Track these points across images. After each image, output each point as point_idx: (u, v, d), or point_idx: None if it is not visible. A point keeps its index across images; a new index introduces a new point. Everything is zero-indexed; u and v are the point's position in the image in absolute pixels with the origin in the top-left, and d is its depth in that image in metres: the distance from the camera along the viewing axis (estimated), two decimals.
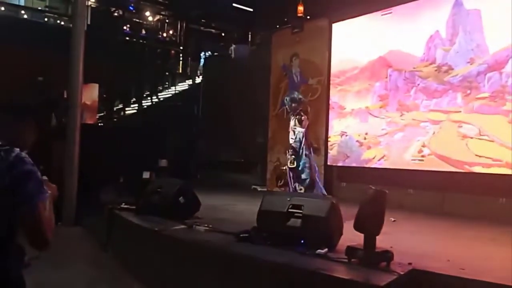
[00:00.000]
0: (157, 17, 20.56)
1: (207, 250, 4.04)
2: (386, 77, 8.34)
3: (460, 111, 7.12)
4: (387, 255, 3.39)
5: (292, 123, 6.42)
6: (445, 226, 6.01)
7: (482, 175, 6.85)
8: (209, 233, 4.57)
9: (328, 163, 9.35)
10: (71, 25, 8.78)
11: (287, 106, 6.35)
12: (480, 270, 3.40)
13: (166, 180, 6.10)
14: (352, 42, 9.04)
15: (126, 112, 13.68)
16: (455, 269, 3.38)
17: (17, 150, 1.67)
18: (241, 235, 4.15)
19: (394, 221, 5.72)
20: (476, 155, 6.86)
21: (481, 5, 6.98)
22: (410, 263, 3.41)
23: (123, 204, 6.18)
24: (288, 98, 6.50)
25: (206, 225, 4.80)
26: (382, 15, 8.54)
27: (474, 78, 6.99)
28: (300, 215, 4.00)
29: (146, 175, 6.47)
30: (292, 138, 6.41)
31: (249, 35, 16.36)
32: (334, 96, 9.35)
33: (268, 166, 10.71)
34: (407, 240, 4.74)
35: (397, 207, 7.36)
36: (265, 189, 10.26)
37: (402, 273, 3.18)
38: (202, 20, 20.13)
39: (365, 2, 9.37)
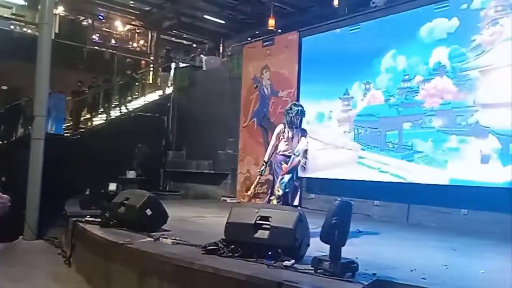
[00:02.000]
0: (128, 27, 20.39)
1: (174, 263, 3.97)
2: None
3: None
4: (352, 266, 3.43)
5: (290, 134, 5.66)
6: (410, 236, 6.15)
7: (445, 186, 7.06)
8: (176, 245, 4.51)
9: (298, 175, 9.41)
10: (37, 33, 8.57)
11: (291, 116, 5.54)
12: (439, 279, 3.49)
13: (133, 191, 5.98)
14: (321, 56, 9.20)
15: (94, 122, 13.40)
16: (418, 279, 3.45)
17: None
18: (209, 248, 4.12)
19: (360, 232, 5.81)
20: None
21: None
22: (374, 274, 3.46)
23: (88, 216, 6.03)
24: (296, 109, 5.58)
25: (173, 237, 4.73)
26: (350, 31, 8.76)
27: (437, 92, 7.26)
28: (268, 226, 4.00)
29: (112, 186, 6.35)
30: (286, 151, 5.70)
31: (221, 47, 16.44)
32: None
33: (238, 177, 10.70)
34: (372, 250, 4.81)
35: (363, 218, 7.52)
36: (235, 201, 10.24)
37: (366, 283, 3.23)
38: (174, 31, 20.10)
39: (334, 17, 9.64)
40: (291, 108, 5.66)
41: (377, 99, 8.19)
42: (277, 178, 5.69)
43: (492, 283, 3.62)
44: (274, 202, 5.60)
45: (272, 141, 5.83)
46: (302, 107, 5.72)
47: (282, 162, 5.67)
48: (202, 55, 14.58)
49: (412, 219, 7.50)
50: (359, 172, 8.27)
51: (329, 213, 3.53)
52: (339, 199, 3.58)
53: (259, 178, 6.14)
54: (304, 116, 5.74)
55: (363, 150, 8.32)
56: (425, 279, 3.46)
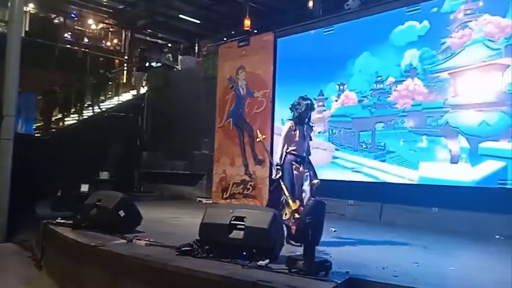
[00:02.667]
0: (101, 25, 20.03)
1: (147, 264, 3.93)
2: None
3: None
4: (325, 265, 3.47)
5: (300, 132, 5.07)
6: (382, 235, 6.25)
7: (417, 186, 7.22)
8: (149, 247, 4.46)
9: (273, 176, 9.44)
10: (7, 31, 8.34)
11: (300, 112, 5.02)
12: (413, 277, 3.56)
13: (105, 193, 5.88)
14: (296, 57, 9.27)
15: (66, 123, 13.12)
16: (390, 277, 3.52)
17: None
18: (183, 249, 4.09)
19: (334, 231, 5.88)
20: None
21: None
22: (347, 272, 3.51)
23: (59, 218, 5.89)
24: (305, 104, 5.03)
25: (147, 239, 4.68)
26: (324, 32, 8.85)
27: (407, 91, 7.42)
28: (243, 227, 4.00)
29: (84, 188, 6.24)
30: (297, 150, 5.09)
31: (196, 47, 16.34)
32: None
33: (214, 178, 10.67)
34: (346, 249, 4.88)
35: (337, 218, 7.61)
36: (211, 202, 10.21)
37: (339, 281, 3.27)
38: (148, 30, 19.85)
39: (309, 19, 9.72)
40: (298, 103, 5.08)
41: (350, 100, 8.30)
42: (286, 181, 4.95)
43: (461, 280, 3.72)
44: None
45: (281, 142, 5.16)
46: (311, 100, 5.16)
47: (293, 163, 5.04)
48: (177, 55, 14.47)
49: (385, 218, 7.64)
50: (334, 172, 8.36)
51: (302, 213, 3.57)
52: (313, 198, 3.62)
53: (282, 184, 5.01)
54: (313, 111, 5.26)
55: (337, 150, 8.42)
56: (397, 276, 3.53)
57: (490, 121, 6.48)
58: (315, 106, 8.74)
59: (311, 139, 5.28)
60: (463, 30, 6.88)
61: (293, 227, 4.49)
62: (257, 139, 5.46)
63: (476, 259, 4.74)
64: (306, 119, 5.14)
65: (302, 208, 4.30)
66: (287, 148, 5.11)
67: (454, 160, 6.83)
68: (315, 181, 4.99)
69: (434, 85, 7.15)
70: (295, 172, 4.99)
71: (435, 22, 7.20)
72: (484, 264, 4.46)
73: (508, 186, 6.27)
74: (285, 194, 4.84)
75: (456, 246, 5.60)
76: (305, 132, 5.12)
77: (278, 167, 5.07)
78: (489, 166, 6.45)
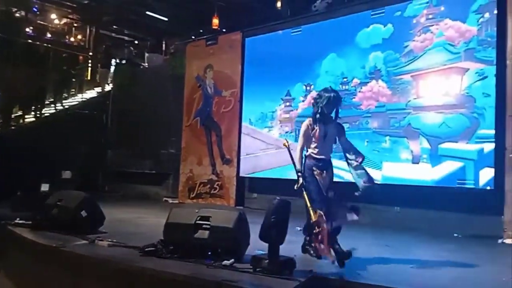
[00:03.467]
0: (64, 20, 19.45)
1: (110, 266, 3.86)
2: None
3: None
4: (290, 263, 3.50)
5: (321, 131, 4.28)
6: (346, 234, 6.34)
7: (380, 185, 7.36)
8: (112, 248, 4.38)
9: (240, 175, 9.47)
10: None
11: (320, 106, 4.22)
12: (373, 275, 3.65)
13: (67, 192, 5.73)
14: (264, 57, 9.30)
15: (26, 120, 12.68)
16: (354, 274, 3.59)
17: None
18: (147, 249, 4.04)
19: (300, 230, 5.92)
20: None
21: None
22: (311, 270, 3.56)
23: (18, 219, 5.70)
24: (327, 96, 4.23)
25: (110, 239, 4.59)
26: (292, 33, 8.93)
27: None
28: (208, 226, 3.99)
29: (45, 187, 6.06)
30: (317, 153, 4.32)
31: (163, 44, 16.12)
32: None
33: (181, 177, 10.58)
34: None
35: (303, 217, 7.67)
36: (177, 201, 10.12)
37: (303, 280, 3.31)
38: (114, 26, 19.43)
39: (277, 19, 9.77)
40: (320, 96, 4.28)
41: None
42: (308, 189, 4.15)
43: (421, 277, 3.84)
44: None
45: (300, 143, 4.39)
46: (337, 93, 4.32)
47: (314, 168, 4.27)
48: (144, 52, 14.25)
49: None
50: None
51: (267, 212, 3.59)
52: (278, 197, 3.65)
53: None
54: (339, 105, 4.34)
55: (304, 150, 8.48)
56: (359, 274, 3.60)
57: (449, 122, 6.71)
58: (283, 105, 8.94)
59: (340, 139, 4.39)
60: (425, 34, 7.09)
61: (316, 243, 3.88)
62: (284, 145, 4.49)
63: (436, 257, 4.89)
64: (331, 115, 4.31)
65: (325, 220, 3.79)
66: (307, 151, 4.36)
67: (415, 160, 7.02)
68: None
69: (397, 87, 7.33)
70: (317, 178, 4.21)
71: (399, 25, 7.38)
72: (442, 262, 4.61)
73: (467, 186, 6.50)
74: (306, 205, 4.03)
75: (416, 244, 5.76)
76: (328, 131, 4.26)
77: (299, 173, 4.21)
78: (449, 167, 6.68)
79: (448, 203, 6.53)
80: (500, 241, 5.90)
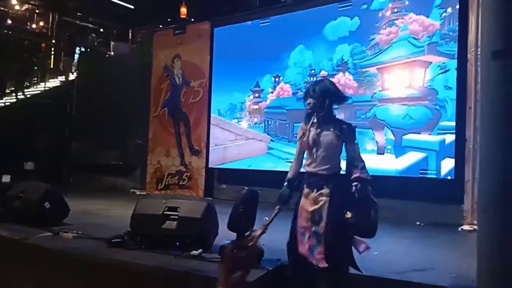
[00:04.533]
0: (26, 6, 18.73)
1: (75, 257, 3.80)
2: None
3: None
4: (258, 252, 3.54)
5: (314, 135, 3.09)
6: None
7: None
8: (77, 239, 4.32)
9: (209, 166, 9.45)
10: None
11: (305, 104, 3.18)
12: None
13: (29, 184, 5.58)
14: (233, 47, 9.27)
15: None
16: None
17: None
18: (113, 240, 4.00)
19: (266, 220, 5.98)
20: None
21: None
22: (279, 259, 3.61)
23: None
24: (310, 89, 3.12)
25: (75, 231, 4.52)
26: (261, 24, 8.92)
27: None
28: (176, 217, 3.99)
29: (6, 178, 5.88)
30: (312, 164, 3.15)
31: (130, 33, 15.80)
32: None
33: (148, 168, 10.45)
34: (278, 237, 4.97)
35: (271, 207, 7.74)
36: (145, 193, 10.00)
37: (270, 268, 3.36)
38: (78, 14, 18.84)
39: (246, 10, 9.74)
40: (313, 90, 3.10)
41: (285, 92, 8.46)
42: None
43: (385, 263, 3.96)
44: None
45: (296, 152, 3.34)
46: (328, 81, 3.22)
47: (305, 187, 3.18)
48: (109, 41, 13.93)
49: None
50: (269, 162, 8.51)
51: (236, 202, 3.62)
52: (246, 188, 3.67)
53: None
54: (330, 99, 3.09)
55: (273, 141, 8.57)
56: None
57: (413, 114, 6.90)
58: (252, 96, 8.94)
59: (346, 146, 3.12)
60: (390, 28, 7.24)
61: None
62: None
63: (398, 244, 5.05)
64: (328, 114, 3.10)
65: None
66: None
67: (380, 151, 7.20)
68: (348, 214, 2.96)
69: (363, 80, 7.47)
70: (302, 199, 3.13)
71: (365, 18, 7.50)
72: (404, 249, 4.77)
73: (428, 176, 6.73)
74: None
75: (380, 232, 5.84)
76: (322, 135, 3.06)
77: (286, 181, 3.31)
78: (412, 157, 6.89)
79: (411, 193, 6.73)
80: (460, 228, 6.14)
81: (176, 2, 13.91)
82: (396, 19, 7.19)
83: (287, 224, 5.77)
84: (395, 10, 7.22)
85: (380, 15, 7.35)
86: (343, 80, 7.66)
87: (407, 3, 7.13)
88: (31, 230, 4.67)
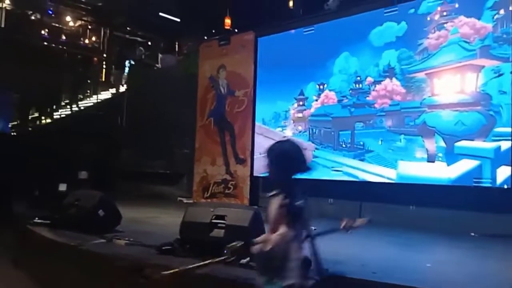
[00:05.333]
0: (79, 22, 19.72)
1: (127, 263, 3.91)
2: None
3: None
4: (305, 262, 3.50)
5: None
6: (361, 233, 6.31)
7: (395, 184, 7.34)
8: (129, 246, 4.44)
9: (254, 174, 9.48)
10: None
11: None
12: (389, 273, 3.64)
13: (84, 192, 5.82)
14: (276, 56, 9.31)
15: (43, 121, 12.91)
16: (369, 273, 3.58)
17: None
18: (164, 248, 4.09)
19: (314, 229, 5.92)
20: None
21: None
22: (327, 269, 3.54)
23: (37, 218, 5.80)
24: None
25: (127, 238, 4.66)
26: (305, 32, 8.92)
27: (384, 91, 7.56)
28: (224, 225, 4.02)
29: (62, 187, 6.16)
30: None
31: (176, 45, 16.26)
32: None
33: (195, 177, 10.63)
34: (326, 247, 4.91)
35: (317, 216, 7.66)
36: (191, 201, 10.17)
37: (318, 278, 3.31)
38: (127, 28, 19.64)
39: (289, 18, 9.78)
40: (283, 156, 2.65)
41: (330, 99, 8.39)
42: None
43: (437, 275, 3.82)
44: None
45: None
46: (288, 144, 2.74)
47: None
48: (157, 53, 14.38)
49: (365, 216, 7.70)
50: (314, 171, 8.41)
51: None
52: None
53: None
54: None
55: (318, 149, 8.50)
56: (375, 273, 3.59)
57: (465, 120, 6.64)
58: (296, 104, 8.92)
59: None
60: (439, 31, 7.03)
61: None
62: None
63: (451, 255, 4.86)
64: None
65: None
66: None
67: (431, 159, 6.96)
68: None
69: (411, 85, 7.28)
70: None
71: (413, 23, 7.33)
72: (458, 260, 4.57)
73: (483, 185, 6.43)
74: None
75: (432, 242, 5.72)
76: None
77: None
78: (465, 165, 6.61)
79: (464, 202, 6.45)
80: None
81: (221, 13, 14.20)
82: (446, 23, 6.97)
83: (335, 235, 5.68)
84: (444, 13, 7.01)
85: (428, 19, 7.15)
86: (390, 86, 7.50)
87: (456, 6, 6.90)
88: (85, 237, 4.86)
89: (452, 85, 6.82)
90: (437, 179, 6.81)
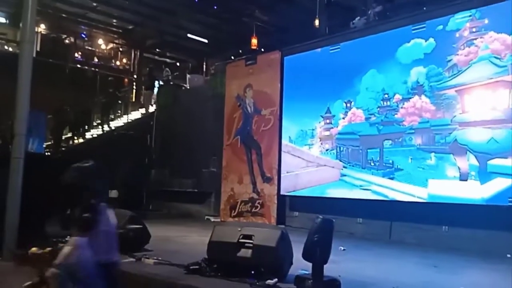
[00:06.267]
0: (110, 45, 20.39)
1: (156, 283, 3.94)
2: None
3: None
4: (335, 284, 3.45)
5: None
6: (392, 253, 6.20)
7: (426, 204, 7.17)
8: (158, 265, 4.47)
9: (281, 193, 9.45)
10: (19, 51, 8.52)
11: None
12: None
13: (114, 211, 5.91)
14: (303, 75, 9.35)
15: (75, 141, 13.29)
16: None
17: None
18: (191, 267, 4.10)
19: (343, 249, 5.84)
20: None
21: None
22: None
23: (69, 237, 5.91)
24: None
25: (155, 257, 4.70)
26: (331, 50, 8.94)
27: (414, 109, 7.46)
28: (251, 245, 4.00)
29: None
30: None
31: (204, 65, 16.55)
32: None
33: (222, 196, 10.67)
34: (355, 268, 4.84)
35: (346, 236, 7.56)
36: (219, 220, 10.19)
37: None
38: (157, 49, 20.17)
39: (315, 37, 9.83)
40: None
41: (358, 117, 8.32)
42: None
43: None
44: None
45: None
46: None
47: None
48: (185, 73, 14.67)
49: (395, 236, 7.57)
50: (342, 189, 8.34)
51: (311, 231, 3.56)
52: (320, 216, 3.62)
53: None
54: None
55: (345, 167, 8.41)
56: None
57: (498, 138, 6.45)
58: (323, 122, 8.89)
59: None
60: (469, 48, 6.92)
61: None
62: None
63: (486, 277, 4.68)
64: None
65: None
66: None
67: (463, 177, 6.78)
68: None
69: (441, 102, 7.16)
70: None
71: (441, 39, 7.24)
72: (494, 282, 4.40)
73: None
74: None
75: (466, 264, 5.53)
76: None
77: None
78: (499, 184, 6.40)
79: (499, 222, 6.23)
80: None
81: (247, 34, 14.42)
82: (475, 39, 6.86)
83: (365, 255, 5.58)
84: (474, 29, 6.90)
85: (457, 35, 7.06)
86: (419, 104, 7.40)
87: (486, 21, 6.79)
88: None
89: (483, 102, 6.67)
90: (470, 198, 6.61)
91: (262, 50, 12.26)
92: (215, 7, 14.78)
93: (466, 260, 5.73)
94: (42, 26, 17.62)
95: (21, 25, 8.37)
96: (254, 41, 13.99)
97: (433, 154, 7.16)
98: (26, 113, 8.01)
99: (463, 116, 6.89)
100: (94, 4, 16.17)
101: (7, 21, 17.55)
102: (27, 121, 8.09)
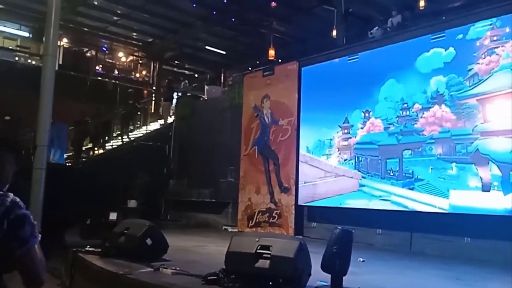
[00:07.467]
0: (130, 58, 20.75)
1: None
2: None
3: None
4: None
5: None
6: (412, 265, 6.08)
7: (447, 215, 7.03)
8: (176, 275, 4.47)
9: (299, 203, 9.39)
10: (42, 65, 8.74)
11: None
12: None
13: (133, 221, 5.97)
14: (320, 85, 9.33)
15: (96, 152, 13.50)
16: None
17: (11, 195, 1.72)
18: (209, 278, 4.09)
19: (363, 261, 5.75)
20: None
21: None
22: None
23: (88, 246, 5.99)
24: None
25: (173, 267, 4.70)
26: (349, 60, 8.91)
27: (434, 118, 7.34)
28: (269, 256, 3.97)
29: (113, 216, 6.34)
30: None
31: (222, 77, 16.68)
32: None
33: (240, 206, 10.66)
34: (375, 279, 4.76)
35: (365, 247, 7.45)
36: (236, 230, 10.18)
37: None
38: (176, 61, 20.45)
39: (332, 48, 9.83)
40: None
41: (376, 127, 8.25)
42: None
43: None
44: None
45: None
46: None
47: None
48: (204, 85, 14.80)
49: (415, 248, 7.43)
50: (361, 200, 8.25)
51: (329, 242, 3.53)
52: (339, 227, 3.58)
53: None
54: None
55: (364, 178, 8.32)
56: None
57: None
58: (341, 132, 8.84)
59: None
60: (490, 57, 6.81)
61: None
62: None
63: None
64: None
65: None
66: None
67: (485, 188, 6.63)
68: None
69: (462, 112, 7.05)
70: None
71: (461, 48, 7.15)
72: None
73: None
74: None
75: (489, 277, 5.38)
76: None
77: None
78: None
79: None
80: None
81: (265, 45, 14.50)
82: (496, 47, 6.76)
83: (385, 267, 5.49)
84: (494, 38, 6.80)
85: (477, 44, 6.96)
86: (439, 113, 7.30)
87: (507, 30, 6.68)
88: (133, 265, 4.94)
89: (506, 111, 6.53)
90: (493, 209, 6.46)
91: (280, 61, 12.29)
92: (233, 20, 14.92)
93: (488, 272, 5.59)
94: (64, 40, 18.05)
95: (44, 39, 8.63)
96: (272, 52, 14.04)
97: (454, 164, 7.03)
98: (48, 125, 8.22)
99: (485, 125, 6.76)
100: (115, 18, 16.52)
101: (31, 36, 18.01)
102: (49, 133, 8.28)
